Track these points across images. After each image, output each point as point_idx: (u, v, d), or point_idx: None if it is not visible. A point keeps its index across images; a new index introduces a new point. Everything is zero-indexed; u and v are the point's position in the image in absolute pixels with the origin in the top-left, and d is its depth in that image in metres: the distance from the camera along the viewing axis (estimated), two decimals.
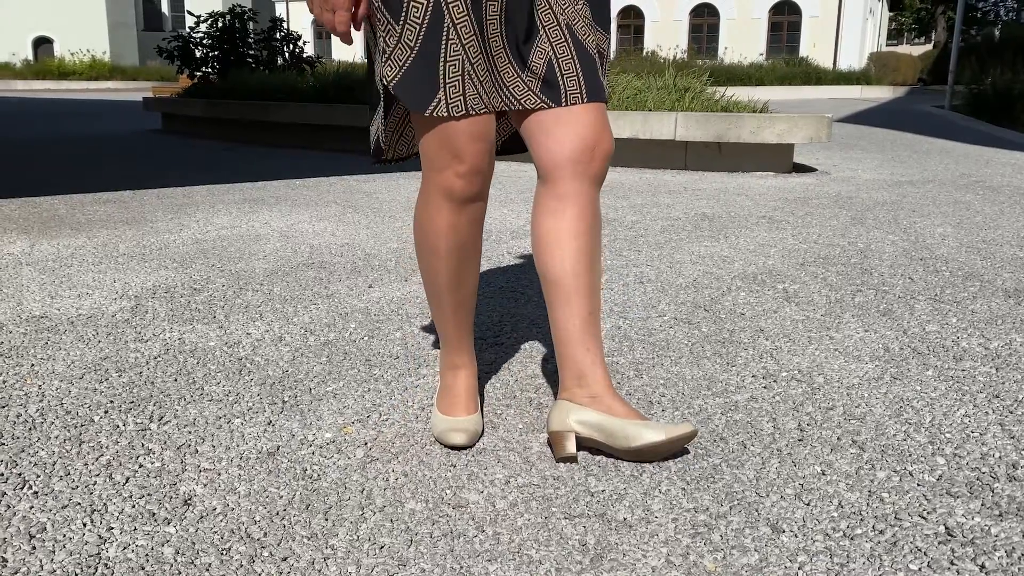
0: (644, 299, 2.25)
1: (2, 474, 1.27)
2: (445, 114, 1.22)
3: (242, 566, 1.04)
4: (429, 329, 1.98)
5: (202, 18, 8.88)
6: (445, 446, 1.36)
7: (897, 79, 24.37)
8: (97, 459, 1.31)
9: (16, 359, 1.78)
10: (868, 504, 1.18)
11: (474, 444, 1.36)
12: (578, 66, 1.27)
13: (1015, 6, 39.99)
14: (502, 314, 2.10)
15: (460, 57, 1.21)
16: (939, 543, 1.09)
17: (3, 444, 1.37)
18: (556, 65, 1.26)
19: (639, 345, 1.87)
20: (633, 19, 27.79)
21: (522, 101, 1.27)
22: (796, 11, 26.35)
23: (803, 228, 3.27)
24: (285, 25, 9.53)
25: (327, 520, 1.14)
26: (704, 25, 27.52)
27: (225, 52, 8.95)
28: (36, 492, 1.21)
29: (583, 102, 1.27)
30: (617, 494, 1.21)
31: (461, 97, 1.23)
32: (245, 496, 1.20)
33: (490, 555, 1.06)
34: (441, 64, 1.21)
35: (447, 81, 1.22)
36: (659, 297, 2.27)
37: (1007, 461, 1.31)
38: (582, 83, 1.27)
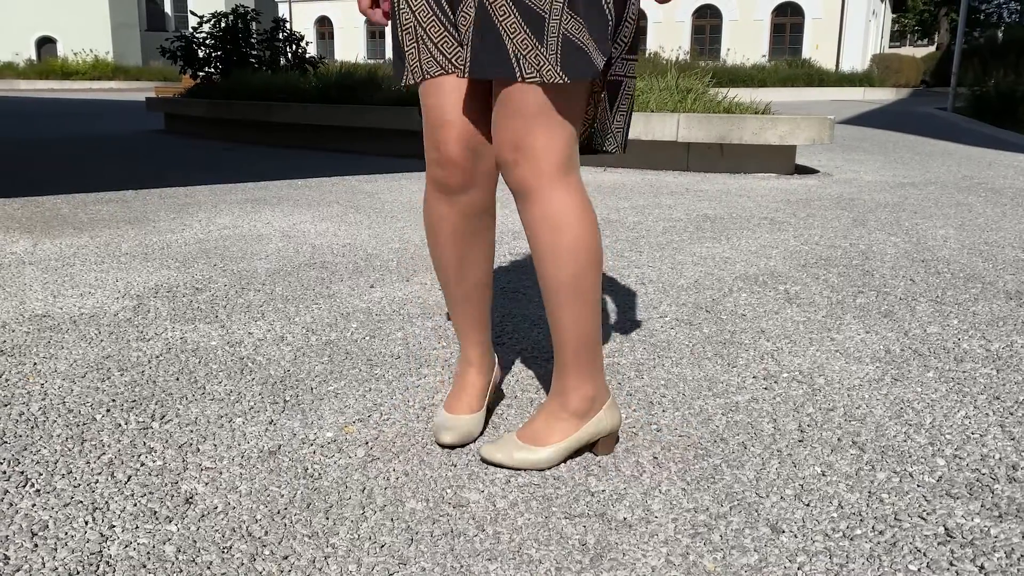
0: (645, 300, 2.25)
1: (4, 472, 1.27)
2: (411, 82, 1.24)
3: (243, 564, 1.04)
4: (430, 329, 1.99)
5: (205, 18, 8.89)
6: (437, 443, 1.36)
7: (900, 81, 24.35)
8: (99, 457, 1.32)
9: (19, 358, 1.78)
10: (868, 505, 1.18)
11: (464, 445, 1.36)
12: (480, 32, 1.14)
13: (1018, 8, 39.95)
14: (503, 314, 2.11)
15: (412, 24, 1.21)
16: (938, 544, 1.09)
17: (5, 442, 1.37)
18: (470, 29, 1.16)
19: (640, 346, 1.87)
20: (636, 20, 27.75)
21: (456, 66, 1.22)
22: (799, 12, 26.34)
23: (805, 230, 3.27)
24: (288, 25, 9.53)
25: (328, 519, 1.15)
26: (707, 26, 27.51)
27: (228, 52, 8.95)
28: (38, 490, 1.22)
29: (464, 75, 1.14)
30: (617, 494, 1.21)
31: (418, 63, 1.23)
32: (246, 495, 1.21)
33: (490, 554, 1.07)
34: (399, 34, 1.23)
35: (406, 50, 1.24)
36: (660, 298, 2.27)
37: (1007, 463, 1.31)
38: (473, 52, 1.14)
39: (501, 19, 1.12)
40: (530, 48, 1.12)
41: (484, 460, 1.30)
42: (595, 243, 1.23)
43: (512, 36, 1.12)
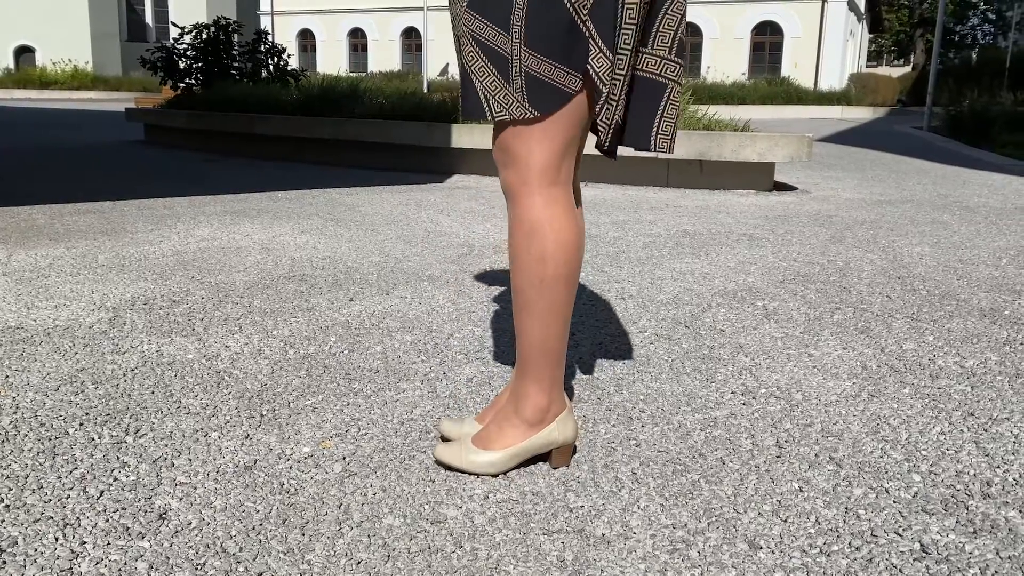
0: (625, 315, 2.26)
1: None
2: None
3: None
4: (409, 343, 1.98)
5: (186, 29, 8.86)
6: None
7: (877, 100, 24.69)
8: (71, 472, 1.30)
9: None
10: (845, 521, 1.19)
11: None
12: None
13: (992, 30, 40.72)
14: (483, 329, 2.10)
15: None
16: (914, 560, 1.09)
17: None
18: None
19: (620, 360, 1.87)
20: None
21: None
22: (778, 31, 26.66)
23: (783, 246, 3.30)
24: (270, 38, 9.52)
25: (304, 535, 1.13)
26: (687, 44, 27.73)
27: (209, 64, 8.92)
28: (8, 506, 1.19)
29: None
30: (596, 510, 1.21)
31: None
32: (221, 510, 1.19)
33: (468, 571, 1.06)
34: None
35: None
36: (640, 313, 2.28)
37: (981, 479, 1.32)
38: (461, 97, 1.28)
39: (470, 64, 1.21)
40: (498, 88, 1.20)
41: (437, 461, 1.34)
42: (566, 257, 1.24)
43: (480, 78, 1.21)
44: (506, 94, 1.19)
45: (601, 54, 1.16)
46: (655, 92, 1.25)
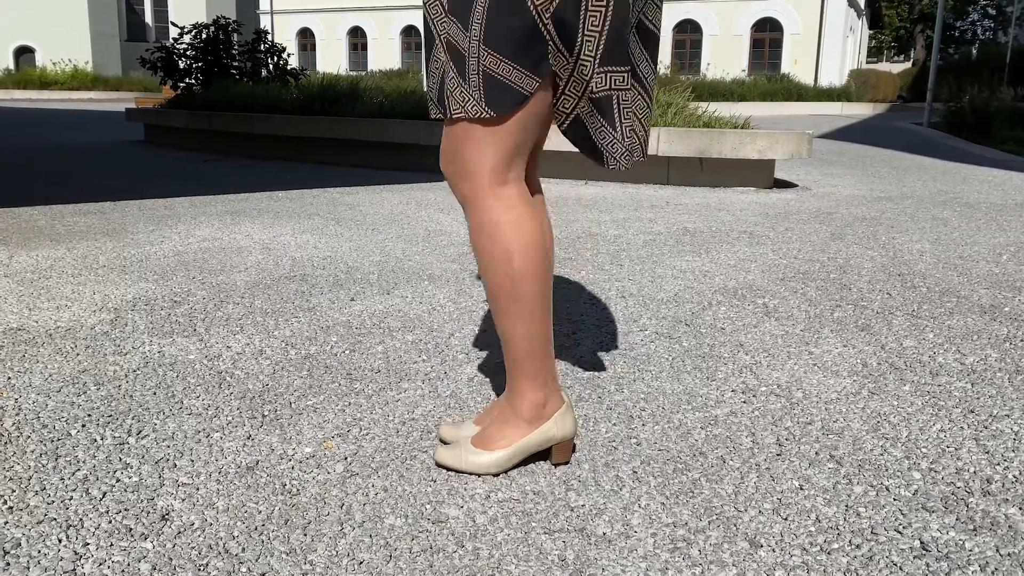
0: (626, 313, 2.26)
1: None
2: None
3: None
4: (410, 343, 1.98)
5: (186, 29, 8.86)
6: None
7: (877, 96, 24.66)
8: (74, 474, 1.30)
9: None
10: (845, 519, 1.19)
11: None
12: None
13: (992, 26, 40.67)
14: (484, 328, 2.11)
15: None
16: (914, 557, 1.10)
17: None
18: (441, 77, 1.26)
19: (620, 359, 1.88)
20: None
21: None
22: (778, 28, 26.64)
23: (783, 243, 3.30)
24: (269, 37, 9.52)
25: (306, 535, 1.14)
26: (687, 41, 27.76)
27: (209, 63, 8.92)
28: (11, 507, 1.20)
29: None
30: (597, 509, 1.21)
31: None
32: (223, 511, 1.20)
33: (469, 570, 1.06)
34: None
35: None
36: (640, 311, 2.28)
37: (981, 476, 1.32)
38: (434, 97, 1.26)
39: (444, 60, 1.21)
40: (456, 86, 1.19)
41: (437, 464, 1.34)
42: (532, 253, 1.24)
43: (445, 75, 1.20)
44: (462, 92, 1.18)
45: (560, 54, 1.17)
46: (606, 107, 1.22)
